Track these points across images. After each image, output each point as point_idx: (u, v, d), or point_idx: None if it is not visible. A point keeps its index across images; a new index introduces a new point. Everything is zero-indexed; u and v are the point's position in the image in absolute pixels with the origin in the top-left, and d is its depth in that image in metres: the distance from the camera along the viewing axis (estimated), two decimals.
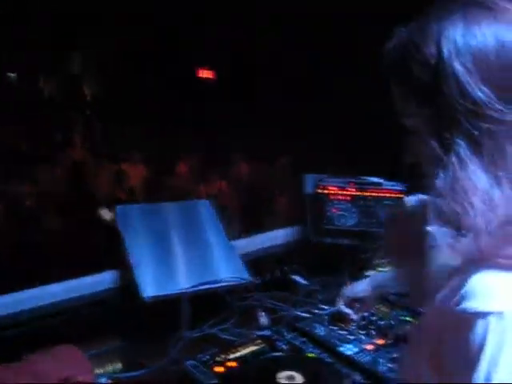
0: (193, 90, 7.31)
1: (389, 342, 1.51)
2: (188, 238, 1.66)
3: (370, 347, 1.48)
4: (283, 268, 1.96)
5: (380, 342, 1.51)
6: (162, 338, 1.54)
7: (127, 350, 1.53)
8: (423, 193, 1.14)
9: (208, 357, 1.39)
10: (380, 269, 2.17)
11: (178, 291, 1.52)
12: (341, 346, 1.48)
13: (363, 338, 1.53)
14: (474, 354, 0.67)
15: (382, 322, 1.62)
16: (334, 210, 1.94)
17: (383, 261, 2.23)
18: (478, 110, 0.72)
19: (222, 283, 1.58)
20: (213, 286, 1.57)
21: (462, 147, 0.73)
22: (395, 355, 1.43)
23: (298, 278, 1.95)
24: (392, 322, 1.62)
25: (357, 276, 2.02)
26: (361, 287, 1.55)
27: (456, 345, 0.70)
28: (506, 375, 0.65)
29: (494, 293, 0.69)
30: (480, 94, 0.72)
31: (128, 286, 1.62)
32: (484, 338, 0.66)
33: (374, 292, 1.52)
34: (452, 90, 0.73)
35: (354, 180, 2.11)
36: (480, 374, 0.66)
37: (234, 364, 1.36)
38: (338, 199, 1.99)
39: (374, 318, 1.64)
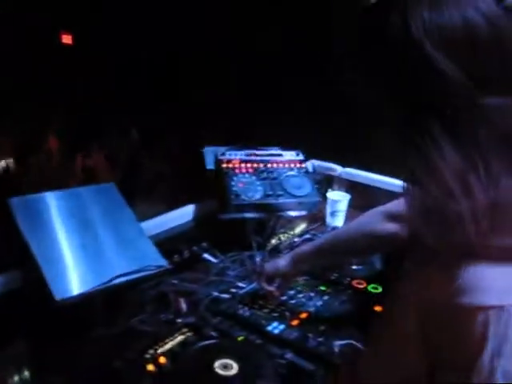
0: (54, 56, 6.77)
1: (312, 315, 1.53)
2: (97, 227, 1.53)
3: (295, 323, 1.49)
4: (192, 248, 1.89)
5: (303, 315, 1.53)
6: (77, 340, 1.42)
7: (38, 355, 1.39)
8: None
9: (136, 354, 1.31)
10: (282, 237, 2.20)
11: (94, 288, 1.40)
12: (267, 325, 1.47)
13: (287, 313, 1.53)
14: (476, 346, 0.68)
15: (302, 295, 1.63)
16: (239, 184, 1.90)
17: (285, 230, 2.26)
18: (449, 89, 0.70)
19: (139, 274, 1.49)
20: (130, 277, 1.46)
21: (435, 127, 0.71)
22: (321, 328, 1.46)
23: (208, 257, 1.90)
24: (311, 294, 1.64)
25: (265, 248, 2.03)
26: (282, 263, 1.54)
27: (455, 337, 0.71)
28: (509, 366, 0.66)
29: (492, 287, 0.70)
30: (449, 71, 0.70)
31: (33, 287, 1.47)
32: (486, 330, 0.67)
33: (296, 267, 1.52)
34: (422, 67, 0.71)
35: (254, 152, 2.09)
36: (484, 365, 0.67)
37: (164, 360, 1.30)
38: (242, 172, 1.96)
39: (292, 291, 1.65)
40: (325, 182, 2.60)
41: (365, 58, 0.79)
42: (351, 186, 2.58)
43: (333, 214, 2.31)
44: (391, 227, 1.35)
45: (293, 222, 2.34)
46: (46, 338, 1.42)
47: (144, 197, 4.47)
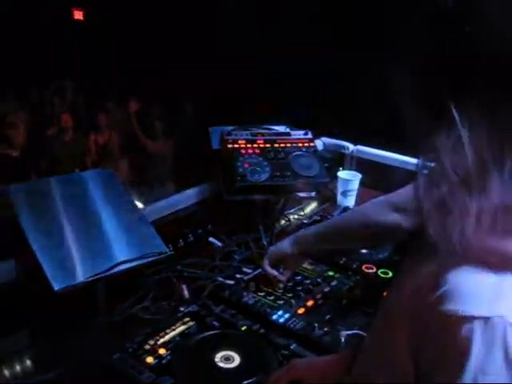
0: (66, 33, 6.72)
1: (319, 302, 1.48)
2: (96, 214, 1.49)
3: (301, 311, 1.44)
4: (196, 231, 1.85)
5: (310, 303, 1.48)
6: (78, 329, 1.39)
7: (39, 347, 1.37)
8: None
9: (136, 346, 1.28)
10: (292, 219, 2.15)
11: (93, 277, 1.36)
12: (272, 313, 1.42)
13: (293, 301, 1.48)
14: (458, 361, 0.62)
15: (309, 281, 1.58)
16: (245, 165, 1.84)
17: (291, 211, 2.21)
18: (503, 62, 0.62)
19: (139, 261, 1.44)
20: (130, 265, 1.42)
21: (474, 103, 0.63)
22: (327, 317, 1.41)
23: (213, 240, 1.85)
24: (318, 280, 1.59)
25: (272, 230, 1.97)
26: (285, 245, 1.49)
27: (439, 348, 0.64)
28: None
29: (480, 295, 0.63)
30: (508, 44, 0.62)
31: (30, 276, 1.44)
32: (469, 344, 0.61)
33: (299, 249, 1.47)
34: (480, 32, 0.63)
35: (261, 131, 2.02)
36: (466, 381, 0.61)
37: (164, 351, 1.26)
38: (248, 153, 1.89)
39: (300, 277, 1.60)
40: (336, 161, 2.54)
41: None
42: (363, 165, 2.51)
43: (344, 193, 2.24)
44: (394, 218, 1.29)
45: (303, 202, 2.28)
46: (45, 329, 1.39)
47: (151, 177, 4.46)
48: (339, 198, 2.26)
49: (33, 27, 6.31)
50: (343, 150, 2.52)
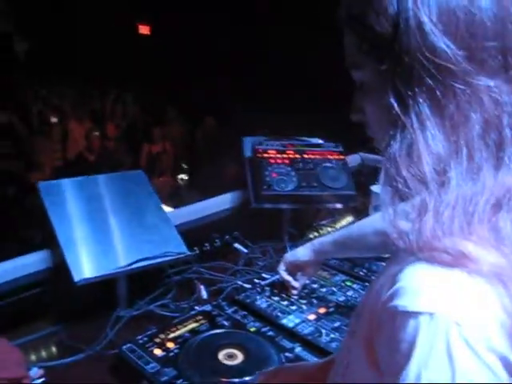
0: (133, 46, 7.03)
1: (330, 310, 1.50)
2: (122, 212, 1.58)
3: (311, 317, 1.46)
4: (224, 236, 1.91)
5: (322, 310, 1.50)
6: (99, 319, 1.47)
7: (62, 334, 1.46)
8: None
9: (146, 338, 1.34)
10: (321, 231, 2.17)
11: (113, 271, 1.44)
12: (282, 317, 1.46)
13: (304, 307, 1.51)
14: (405, 353, 0.64)
15: (324, 290, 1.60)
16: (273, 175, 1.89)
17: (324, 223, 2.23)
18: (444, 65, 0.65)
19: (158, 259, 1.51)
20: (149, 262, 1.49)
21: (423, 107, 0.66)
22: (337, 324, 1.43)
23: (238, 246, 1.90)
24: (334, 289, 1.61)
25: (298, 240, 2.00)
26: (301, 251, 1.52)
27: (389, 341, 0.67)
28: (437, 380, 0.62)
29: (426, 291, 0.65)
30: (446, 48, 0.65)
31: (59, 267, 1.54)
32: (414, 339, 0.63)
33: (316, 257, 1.50)
34: (415, 41, 0.66)
35: (292, 142, 2.07)
36: (410, 374, 0.63)
37: (172, 345, 1.32)
38: (277, 163, 1.94)
39: (316, 285, 1.62)
40: (373, 175, 2.54)
41: (353, 29, 0.75)
42: None
43: (376, 207, 2.24)
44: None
45: (336, 214, 2.31)
46: (68, 317, 1.48)
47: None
48: (371, 211, 2.26)
49: (100, 40, 6.63)
50: (380, 164, 2.52)
